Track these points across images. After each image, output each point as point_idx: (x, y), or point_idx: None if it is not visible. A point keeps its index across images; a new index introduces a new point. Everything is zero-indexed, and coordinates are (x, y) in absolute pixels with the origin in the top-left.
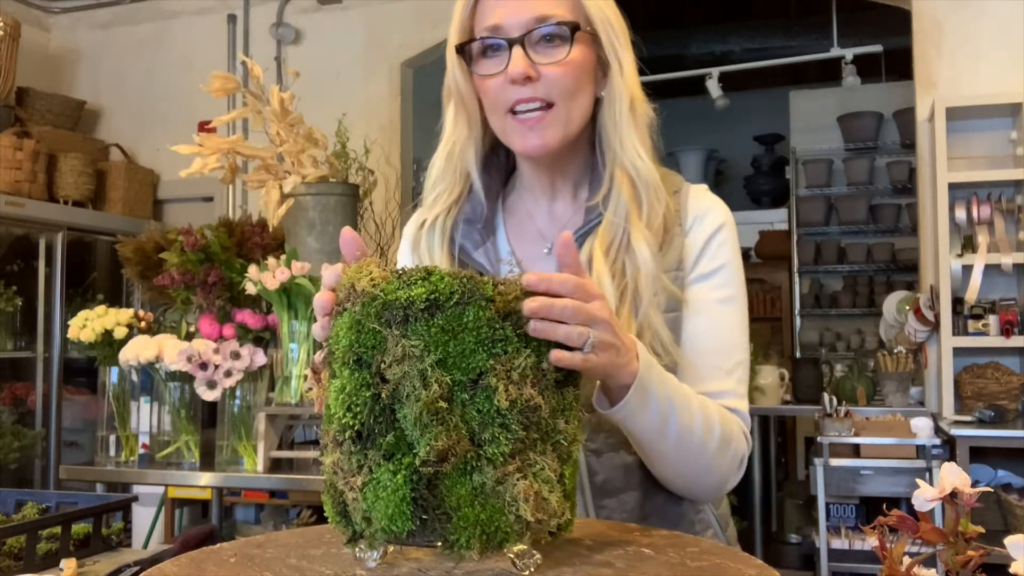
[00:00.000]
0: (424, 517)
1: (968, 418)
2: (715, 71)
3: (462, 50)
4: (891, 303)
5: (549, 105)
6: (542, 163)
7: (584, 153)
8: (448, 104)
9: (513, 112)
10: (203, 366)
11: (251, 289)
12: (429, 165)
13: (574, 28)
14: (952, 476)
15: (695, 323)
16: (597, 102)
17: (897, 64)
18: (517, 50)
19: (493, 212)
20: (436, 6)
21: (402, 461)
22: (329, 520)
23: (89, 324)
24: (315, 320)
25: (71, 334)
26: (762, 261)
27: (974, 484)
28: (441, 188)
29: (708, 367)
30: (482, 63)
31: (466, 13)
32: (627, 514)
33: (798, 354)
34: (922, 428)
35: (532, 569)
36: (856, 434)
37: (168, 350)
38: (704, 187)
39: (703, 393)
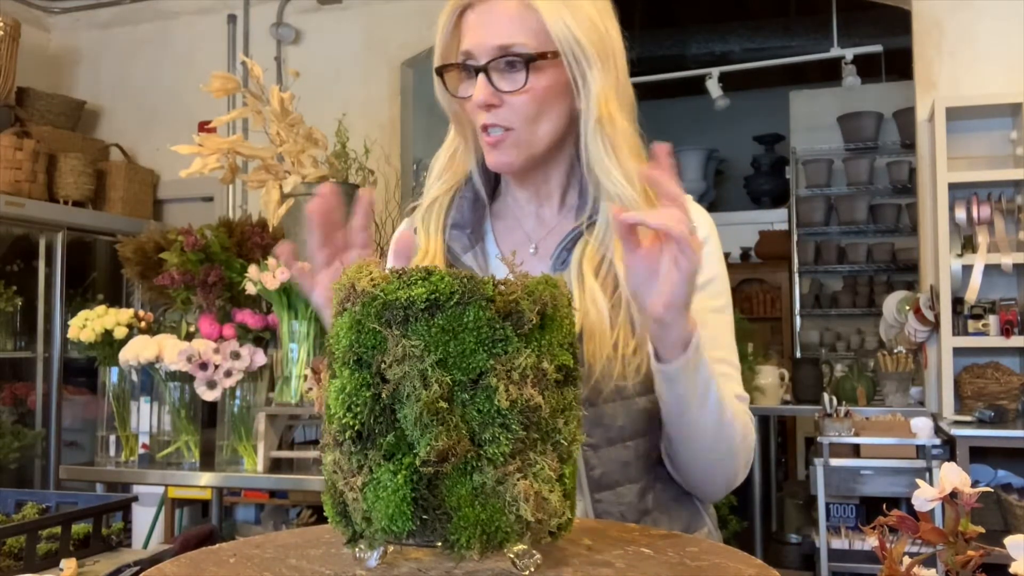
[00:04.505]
0: (424, 517)
1: (968, 418)
2: (715, 71)
3: (441, 72)
4: (891, 303)
5: (509, 128)
6: (523, 174)
7: (568, 160)
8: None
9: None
10: (203, 366)
11: (251, 289)
12: (434, 159)
13: (529, 60)
14: (952, 476)
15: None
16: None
17: (897, 64)
18: (481, 78)
19: (482, 218)
20: (436, 6)
21: (402, 461)
22: (329, 520)
23: (89, 324)
24: (316, 319)
25: (71, 334)
26: (762, 261)
27: (974, 484)
28: (443, 179)
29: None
30: (458, 85)
31: (444, 35)
32: (625, 507)
33: (798, 354)
34: (922, 428)
35: (532, 569)
36: (856, 434)
37: (168, 350)
38: (689, 197)
39: None
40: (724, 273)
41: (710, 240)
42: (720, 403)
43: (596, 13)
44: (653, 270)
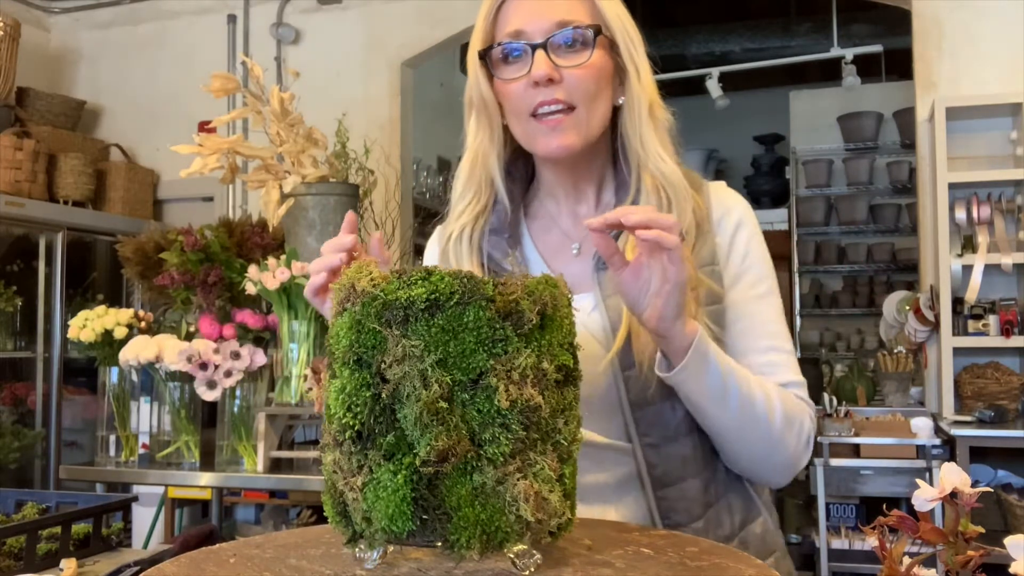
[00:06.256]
0: (424, 517)
1: (968, 418)
2: (715, 71)
3: (484, 56)
4: (891, 303)
5: (571, 108)
6: (563, 166)
7: (605, 157)
8: (470, 114)
9: (535, 115)
10: (203, 366)
11: (251, 289)
12: (455, 177)
13: (596, 32)
14: (952, 476)
15: (741, 326)
16: (616, 109)
17: (897, 64)
18: (540, 53)
19: (517, 220)
20: (436, 6)
21: (402, 461)
22: (329, 520)
23: (89, 324)
24: (316, 319)
25: (71, 334)
26: None
27: (974, 484)
28: (468, 198)
29: (762, 365)
30: (504, 68)
31: (488, 20)
32: (689, 502)
33: (798, 354)
34: (922, 428)
35: (532, 569)
36: (856, 434)
37: (168, 350)
38: (722, 183)
39: None
40: (765, 256)
41: (747, 223)
42: (747, 401)
43: None
44: (644, 284)
